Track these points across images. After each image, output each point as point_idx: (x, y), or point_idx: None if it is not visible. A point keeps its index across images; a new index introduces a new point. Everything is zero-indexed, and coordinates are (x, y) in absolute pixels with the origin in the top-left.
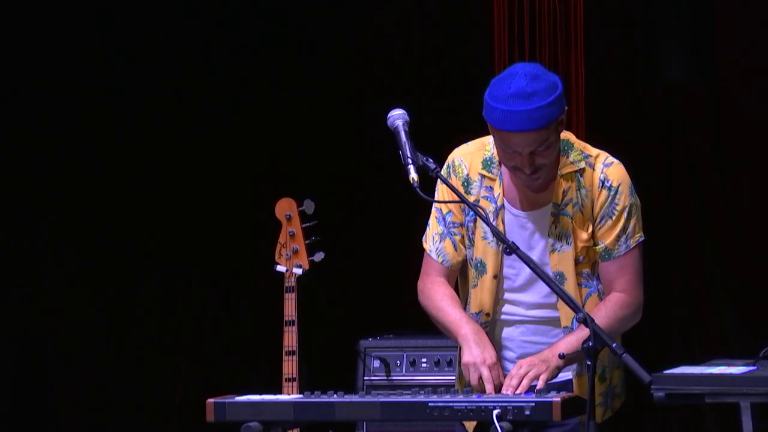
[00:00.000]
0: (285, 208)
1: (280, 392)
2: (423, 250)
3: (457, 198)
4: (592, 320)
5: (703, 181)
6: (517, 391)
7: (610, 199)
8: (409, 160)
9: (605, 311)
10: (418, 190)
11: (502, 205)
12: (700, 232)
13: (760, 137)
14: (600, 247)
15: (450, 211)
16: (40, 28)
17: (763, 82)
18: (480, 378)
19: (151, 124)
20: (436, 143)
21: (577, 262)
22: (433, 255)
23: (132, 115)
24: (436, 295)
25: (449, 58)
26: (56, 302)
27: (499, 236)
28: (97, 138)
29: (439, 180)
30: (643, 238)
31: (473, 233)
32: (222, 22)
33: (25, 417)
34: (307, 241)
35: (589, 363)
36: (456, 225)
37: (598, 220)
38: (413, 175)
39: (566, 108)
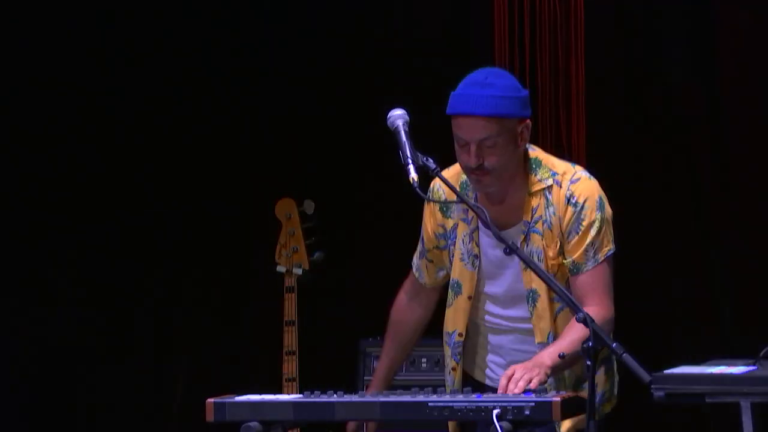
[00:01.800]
0: (285, 208)
1: (280, 392)
2: None
3: (456, 198)
4: (592, 320)
5: (703, 181)
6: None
7: (576, 215)
8: (409, 160)
9: (575, 332)
10: (418, 190)
11: (477, 227)
12: (700, 232)
13: (760, 137)
14: (569, 261)
15: (427, 236)
16: (40, 28)
17: (764, 82)
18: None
19: (151, 124)
20: (436, 143)
21: None
22: (414, 269)
23: (132, 115)
24: (391, 331)
25: (449, 58)
26: (56, 303)
27: (499, 237)
28: (97, 138)
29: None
30: (612, 251)
31: (453, 255)
32: (222, 21)
33: (25, 417)
34: (307, 241)
35: (588, 363)
36: (427, 250)
37: (566, 236)
38: (413, 175)
39: (528, 122)
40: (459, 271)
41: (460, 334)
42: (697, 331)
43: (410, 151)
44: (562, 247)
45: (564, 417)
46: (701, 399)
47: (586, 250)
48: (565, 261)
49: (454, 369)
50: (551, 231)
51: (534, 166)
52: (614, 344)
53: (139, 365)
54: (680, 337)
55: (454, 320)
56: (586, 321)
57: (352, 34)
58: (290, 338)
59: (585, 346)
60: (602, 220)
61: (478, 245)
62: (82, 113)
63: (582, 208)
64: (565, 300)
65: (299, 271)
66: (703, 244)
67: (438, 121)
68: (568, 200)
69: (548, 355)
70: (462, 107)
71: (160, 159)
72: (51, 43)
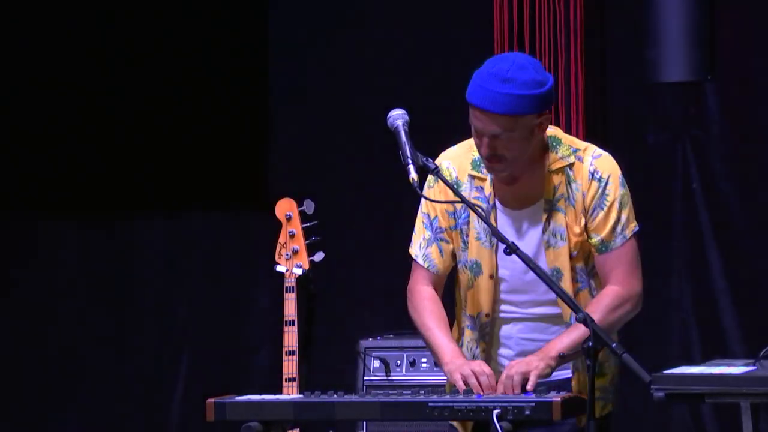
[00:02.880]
0: (285, 208)
1: (280, 392)
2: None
3: (456, 198)
4: (592, 320)
5: (704, 181)
6: (514, 391)
7: (600, 190)
8: (409, 160)
9: (599, 306)
10: (418, 190)
11: (494, 205)
12: (700, 232)
13: (760, 137)
14: (596, 240)
15: (437, 216)
16: (40, 28)
17: (764, 82)
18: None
19: (151, 124)
20: (436, 143)
21: (571, 257)
22: (420, 260)
23: (132, 115)
24: (424, 311)
25: (449, 58)
26: (56, 302)
27: (499, 236)
28: (97, 138)
29: (427, 183)
30: (638, 228)
31: (467, 235)
32: (222, 21)
33: (24, 416)
34: (307, 241)
35: (588, 363)
36: (442, 230)
37: (590, 212)
38: (413, 175)
39: (548, 113)
40: (477, 251)
41: (486, 315)
42: (697, 331)
43: (410, 151)
44: (585, 223)
45: (564, 417)
46: (701, 399)
47: (613, 228)
48: (591, 240)
49: (483, 350)
50: (574, 208)
51: (554, 144)
52: (614, 344)
53: (140, 365)
54: (680, 337)
55: (478, 301)
56: (586, 321)
57: (352, 34)
58: (290, 338)
59: (585, 346)
60: (626, 196)
61: (496, 222)
62: (82, 113)
63: (606, 183)
64: (565, 300)
65: (299, 271)
66: (703, 244)
67: (437, 120)
68: (592, 175)
69: (555, 348)
70: (478, 101)
71: (160, 159)
72: (50, 43)
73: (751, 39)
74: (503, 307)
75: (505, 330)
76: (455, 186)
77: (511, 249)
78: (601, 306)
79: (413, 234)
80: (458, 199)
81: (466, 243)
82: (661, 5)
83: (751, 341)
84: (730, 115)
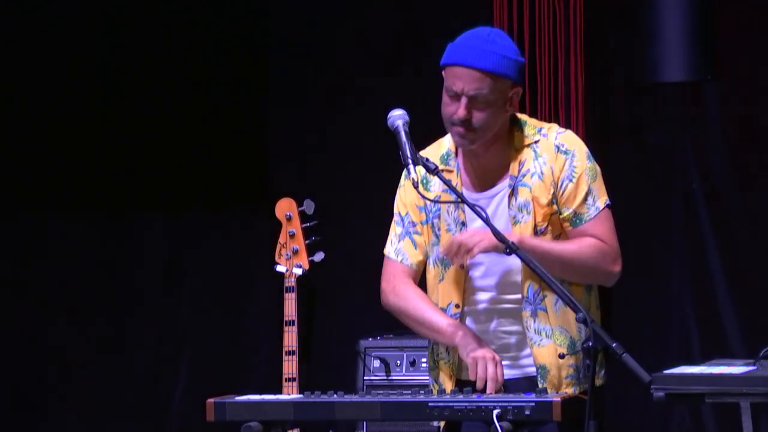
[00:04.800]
0: (285, 208)
1: (280, 392)
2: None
3: (453, 198)
4: (592, 320)
5: (704, 181)
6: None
7: (568, 162)
8: (409, 160)
9: (578, 241)
10: (418, 190)
11: (461, 193)
12: (700, 232)
13: (760, 137)
14: (568, 213)
15: (408, 212)
16: (40, 28)
17: (764, 82)
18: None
19: (151, 124)
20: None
21: (537, 233)
22: (392, 255)
23: (132, 115)
24: (415, 296)
25: None
26: (56, 302)
27: (500, 236)
28: (97, 138)
29: (402, 182)
30: (609, 202)
31: (439, 228)
32: (222, 21)
33: (24, 416)
34: (307, 241)
35: (588, 363)
36: (414, 224)
37: (559, 185)
38: (413, 175)
39: (520, 89)
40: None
41: (456, 305)
42: (697, 331)
43: (410, 151)
44: (554, 196)
45: (564, 417)
46: (701, 399)
47: (585, 199)
48: (564, 214)
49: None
50: (543, 181)
51: (520, 125)
52: (614, 344)
53: (140, 365)
54: (680, 337)
55: (448, 293)
56: (585, 321)
57: (352, 34)
58: (290, 338)
59: (585, 346)
60: (594, 170)
61: (464, 211)
62: (81, 113)
63: (573, 156)
64: (564, 299)
65: (299, 271)
66: (702, 244)
67: (437, 121)
68: (558, 148)
69: (519, 234)
70: (462, 58)
71: (161, 159)
72: (50, 43)
73: (751, 39)
74: (477, 296)
75: (482, 326)
76: (425, 182)
77: (512, 249)
78: (574, 240)
79: (388, 236)
80: (459, 200)
81: (438, 236)
82: (661, 5)
83: (751, 341)
84: (730, 115)
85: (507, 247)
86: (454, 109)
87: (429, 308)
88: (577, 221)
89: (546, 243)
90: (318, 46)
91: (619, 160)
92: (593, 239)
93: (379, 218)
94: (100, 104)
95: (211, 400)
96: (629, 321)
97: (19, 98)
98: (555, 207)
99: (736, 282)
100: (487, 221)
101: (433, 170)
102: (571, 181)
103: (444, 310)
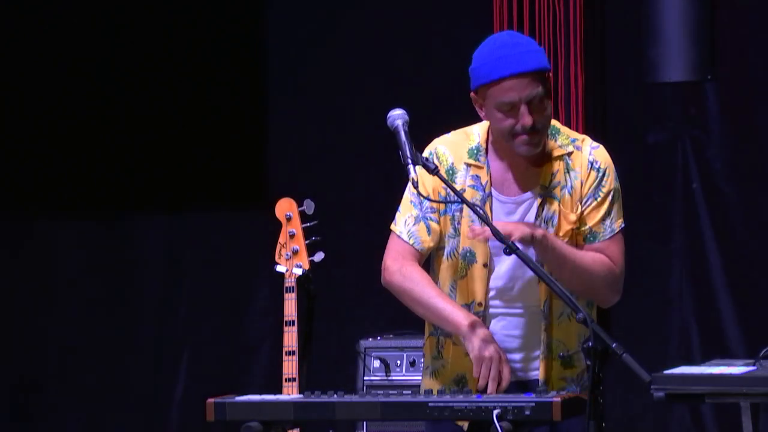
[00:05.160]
0: (285, 208)
1: (280, 392)
2: (390, 233)
3: (456, 198)
4: (592, 320)
5: (704, 181)
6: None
7: (598, 180)
8: (409, 160)
9: (589, 255)
10: (418, 190)
11: (490, 193)
12: (700, 232)
13: (760, 137)
14: (585, 229)
15: (429, 196)
16: (40, 28)
17: (764, 82)
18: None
19: (151, 124)
20: None
21: None
22: (404, 236)
23: (132, 116)
24: (422, 279)
25: (449, 57)
26: (56, 302)
27: (500, 237)
28: (97, 138)
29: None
30: (624, 225)
31: (459, 222)
32: (222, 21)
33: (24, 416)
34: (307, 241)
35: (589, 363)
36: (433, 210)
37: (584, 200)
38: (413, 175)
39: (551, 73)
40: (471, 240)
41: (479, 304)
42: (697, 331)
43: (410, 151)
44: (581, 212)
45: (564, 417)
46: (701, 399)
47: (603, 219)
48: (581, 229)
49: None
50: (571, 196)
51: (553, 132)
52: (614, 344)
53: (140, 365)
54: (680, 337)
55: (472, 290)
56: (586, 321)
57: (352, 34)
58: (290, 338)
59: (585, 346)
60: (618, 191)
61: (491, 210)
62: (82, 113)
63: (604, 174)
64: (565, 300)
65: (299, 271)
66: (703, 244)
67: (437, 120)
68: (591, 164)
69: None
70: (510, 68)
71: (161, 159)
72: (50, 43)
73: (751, 39)
74: (492, 300)
75: (490, 326)
76: (451, 172)
77: (511, 249)
78: (584, 252)
79: (398, 212)
80: (458, 200)
81: (457, 230)
82: (661, 5)
83: (751, 341)
84: (730, 115)
85: (507, 247)
86: (515, 121)
87: (436, 294)
88: (591, 239)
89: (567, 247)
90: (318, 45)
91: (619, 160)
92: (606, 259)
93: (379, 218)
94: (100, 104)
95: (211, 400)
96: (629, 321)
97: (19, 98)
98: (578, 223)
99: (736, 282)
100: (486, 220)
101: (432, 170)
102: (595, 199)
103: (468, 306)
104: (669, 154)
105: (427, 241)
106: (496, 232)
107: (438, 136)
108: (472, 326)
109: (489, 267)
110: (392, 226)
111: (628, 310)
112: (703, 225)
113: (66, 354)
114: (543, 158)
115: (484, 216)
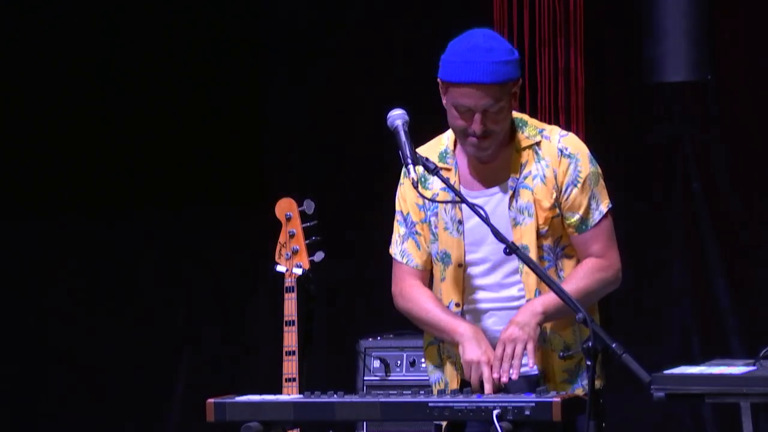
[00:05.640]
0: (285, 208)
1: (280, 392)
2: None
3: (451, 197)
4: (592, 320)
5: (703, 181)
6: (513, 375)
7: (572, 166)
8: (409, 160)
9: (582, 273)
10: (418, 190)
11: (458, 192)
12: (700, 232)
13: (760, 137)
14: (575, 219)
15: (409, 212)
16: (40, 28)
17: (764, 82)
18: (480, 377)
19: (151, 126)
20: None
21: (539, 235)
22: (398, 257)
23: (132, 116)
24: (420, 297)
25: None
26: (56, 302)
27: (499, 236)
28: (97, 137)
29: (401, 180)
30: (611, 205)
31: (436, 227)
32: (221, 21)
33: (25, 416)
34: (307, 241)
35: (589, 363)
36: (415, 224)
37: (563, 189)
38: (413, 175)
39: (521, 80)
40: (445, 241)
41: (457, 304)
42: (697, 331)
43: (410, 151)
44: (557, 200)
45: (564, 417)
46: (701, 399)
47: (589, 204)
48: (569, 220)
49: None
50: (545, 184)
51: (521, 125)
52: (614, 344)
53: (140, 365)
54: (680, 336)
55: (449, 291)
56: (586, 321)
57: (351, 34)
58: (290, 338)
59: (585, 346)
60: (597, 173)
61: (461, 210)
62: (81, 113)
63: (577, 160)
64: (565, 300)
65: (299, 271)
66: (703, 244)
67: (437, 121)
68: (561, 152)
69: (541, 303)
70: (468, 76)
71: (160, 158)
72: (50, 43)
73: (751, 39)
74: (476, 295)
75: (479, 324)
76: (423, 179)
77: (511, 249)
78: (579, 273)
79: (393, 235)
80: (458, 199)
81: (435, 235)
82: (661, 5)
83: (751, 341)
84: (730, 115)
85: (507, 247)
86: (466, 124)
87: (432, 307)
88: (583, 227)
89: (562, 294)
90: (318, 45)
91: (619, 160)
92: (594, 261)
93: (379, 218)
94: (100, 104)
95: (211, 400)
96: (629, 321)
97: (19, 98)
98: (557, 210)
99: (736, 282)
100: (486, 220)
101: (432, 170)
102: (575, 186)
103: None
104: (669, 154)
105: (419, 255)
106: (495, 232)
107: (437, 135)
108: (468, 333)
109: (463, 266)
110: (390, 250)
111: (628, 310)
112: (703, 225)
113: (66, 354)
114: (511, 151)
115: (485, 216)
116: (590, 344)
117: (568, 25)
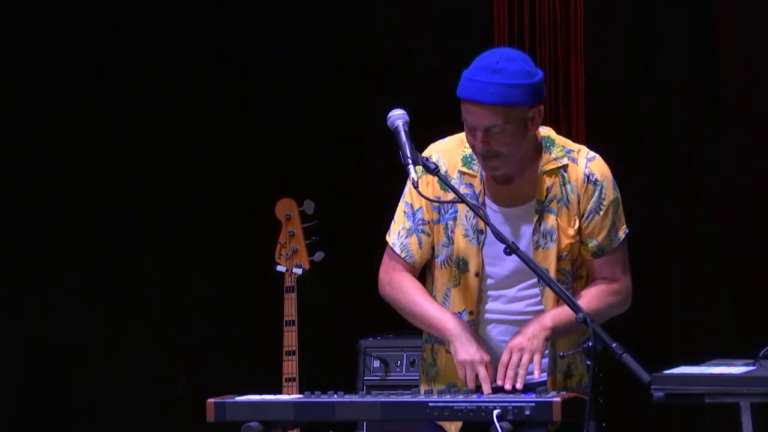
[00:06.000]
0: (285, 208)
1: (280, 392)
2: (386, 244)
3: (457, 198)
4: (592, 320)
5: (703, 181)
6: (517, 383)
7: (597, 193)
8: (409, 160)
9: (594, 294)
10: (418, 190)
11: (483, 202)
12: (700, 232)
13: (760, 137)
14: (593, 245)
15: (421, 207)
16: (40, 28)
17: (763, 82)
18: (475, 377)
19: (151, 126)
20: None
21: (559, 259)
22: (397, 249)
23: (132, 117)
24: (409, 288)
25: (449, 58)
26: (57, 304)
27: (500, 237)
28: (98, 140)
29: (410, 179)
30: (628, 231)
31: (453, 231)
32: (220, 22)
33: (25, 416)
34: (307, 241)
35: (589, 363)
36: (425, 222)
37: (586, 215)
38: (413, 175)
39: (540, 107)
40: (464, 248)
41: (470, 312)
42: (697, 331)
43: (410, 151)
44: (580, 227)
45: (564, 417)
46: (701, 399)
47: (609, 232)
48: (588, 245)
49: None
50: (568, 210)
51: (548, 145)
52: (614, 344)
53: (140, 365)
54: (680, 337)
55: (463, 299)
56: (586, 321)
57: (351, 34)
58: (290, 338)
59: (585, 346)
60: (618, 200)
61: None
62: (82, 113)
63: (603, 187)
64: (565, 300)
65: (299, 271)
66: (703, 244)
67: (437, 121)
68: (588, 178)
69: (550, 318)
70: (470, 94)
71: (162, 160)
72: (50, 44)
73: (751, 39)
74: (488, 305)
75: (484, 331)
76: (441, 182)
77: (512, 249)
78: (591, 293)
79: (392, 221)
80: (459, 199)
81: (450, 239)
82: (661, 5)
83: (751, 341)
84: (730, 115)
85: (507, 247)
86: (473, 141)
87: (422, 300)
88: (599, 252)
89: (570, 313)
90: (317, 44)
91: (620, 160)
92: (606, 285)
93: (379, 218)
94: (100, 104)
95: (211, 400)
96: (629, 321)
97: (19, 98)
98: (578, 236)
99: (736, 282)
100: (486, 220)
101: (432, 170)
102: (598, 213)
103: (459, 315)
104: (669, 154)
105: (420, 254)
106: (496, 232)
107: (438, 136)
108: (457, 330)
109: (480, 276)
110: (387, 237)
111: (628, 310)
112: (703, 225)
113: (65, 354)
114: (538, 172)
115: (485, 218)
116: (590, 344)
117: (568, 25)
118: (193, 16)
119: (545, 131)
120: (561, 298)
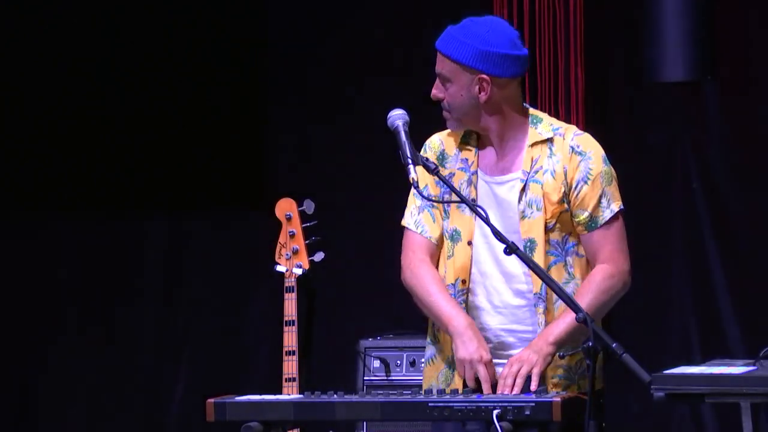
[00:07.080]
0: (285, 208)
1: (280, 392)
2: (402, 230)
3: (456, 198)
4: (592, 320)
5: (704, 181)
6: (513, 391)
7: (582, 163)
8: (409, 160)
9: (591, 286)
10: (418, 190)
11: (475, 172)
12: (700, 232)
13: (760, 137)
14: (584, 216)
15: (426, 185)
16: (41, 28)
17: (764, 82)
18: (474, 376)
19: (150, 123)
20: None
21: (547, 229)
22: (412, 227)
23: (132, 115)
24: (426, 276)
25: None
26: (56, 303)
27: (500, 236)
28: (97, 138)
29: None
30: (623, 207)
31: (449, 205)
32: (222, 20)
33: (25, 416)
34: (307, 241)
35: (589, 363)
36: (433, 197)
37: (573, 186)
38: (413, 175)
39: (486, 78)
40: (457, 218)
41: (463, 281)
42: (697, 331)
43: (410, 151)
44: (565, 195)
45: (564, 416)
46: (701, 399)
47: (600, 201)
48: (579, 218)
49: None
50: (554, 179)
51: (535, 121)
52: (614, 344)
53: (140, 365)
54: (680, 337)
55: (457, 268)
56: (586, 321)
57: (351, 33)
58: (290, 338)
59: (585, 346)
60: (610, 173)
61: (476, 189)
62: (81, 113)
63: (588, 158)
64: (565, 300)
65: (299, 271)
66: (703, 244)
67: (437, 121)
68: (573, 149)
69: (554, 336)
70: (437, 40)
71: (160, 159)
72: (50, 43)
73: (751, 39)
74: (482, 269)
75: (485, 321)
76: (441, 158)
77: (511, 249)
78: (592, 286)
79: (406, 208)
80: (458, 200)
81: (447, 212)
82: (661, 5)
83: (751, 341)
84: (730, 115)
85: (507, 247)
86: None
87: (436, 291)
88: (592, 225)
89: (569, 319)
90: (318, 45)
91: (619, 160)
92: (601, 272)
93: (379, 218)
94: (100, 104)
95: (211, 400)
96: (629, 321)
97: (19, 98)
98: (565, 205)
99: (736, 282)
100: (486, 220)
101: (432, 170)
102: (586, 183)
103: (452, 287)
104: (669, 154)
105: (434, 228)
106: (496, 232)
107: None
108: (461, 328)
109: (473, 244)
110: (402, 222)
111: (628, 310)
112: (703, 225)
113: (66, 353)
114: (525, 145)
115: (485, 216)
116: (590, 344)
117: (568, 25)
118: (193, 16)
119: (535, 111)
120: (561, 299)
